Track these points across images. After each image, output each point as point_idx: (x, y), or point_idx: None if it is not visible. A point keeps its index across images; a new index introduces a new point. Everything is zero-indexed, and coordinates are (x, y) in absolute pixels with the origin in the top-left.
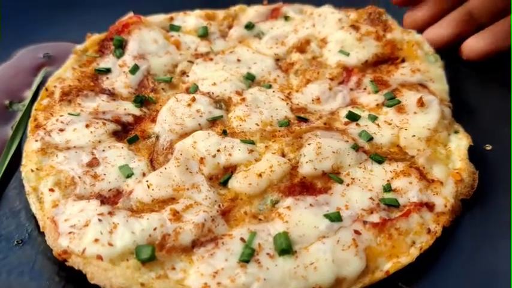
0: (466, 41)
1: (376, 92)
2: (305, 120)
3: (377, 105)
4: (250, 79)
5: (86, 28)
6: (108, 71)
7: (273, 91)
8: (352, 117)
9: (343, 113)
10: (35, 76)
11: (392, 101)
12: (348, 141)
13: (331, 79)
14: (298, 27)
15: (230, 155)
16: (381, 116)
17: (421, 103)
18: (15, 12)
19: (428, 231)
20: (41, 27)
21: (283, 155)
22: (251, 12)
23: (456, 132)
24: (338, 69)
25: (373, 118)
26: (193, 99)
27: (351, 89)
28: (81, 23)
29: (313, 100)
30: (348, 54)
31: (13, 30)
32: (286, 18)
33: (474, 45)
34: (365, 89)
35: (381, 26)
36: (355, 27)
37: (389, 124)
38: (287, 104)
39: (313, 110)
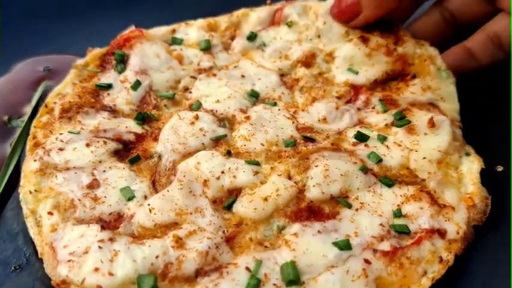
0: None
1: (385, 111)
2: (312, 140)
3: (386, 125)
4: (255, 96)
5: (87, 40)
6: (109, 86)
7: (278, 109)
8: (361, 138)
9: (351, 133)
10: (35, 90)
11: (402, 121)
12: (356, 162)
13: (338, 97)
14: (302, 36)
15: (235, 177)
16: (390, 136)
17: (431, 124)
18: (14, 24)
19: (441, 259)
20: (41, 40)
21: (290, 177)
22: (253, 18)
23: (467, 154)
24: (345, 87)
25: (383, 139)
26: (197, 117)
27: (359, 109)
28: (82, 35)
29: (319, 120)
30: (356, 73)
31: (12, 43)
32: (289, 24)
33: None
34: (373, 108)
35: (392, 38)
36: (364, 39)
37: (399, 145)
38: (293, 122)
39: (319, 129)
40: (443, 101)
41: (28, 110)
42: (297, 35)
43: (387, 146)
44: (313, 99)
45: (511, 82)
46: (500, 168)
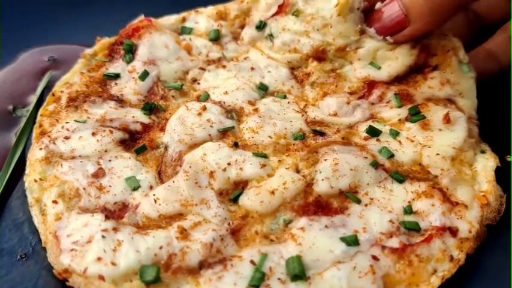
0: None
1: (400, 106)
2: (321, 134)
3: (399, 120)
4: (263, 89)
5: (93, 30)
6: (117, 76)
7: (288, 102)
8: (373, 133)
9: (363, 127)
10: (40, 80)
11: (417, 116)
12: (366, 157)
13: (351, 93)
14: (309, 27)
15: (241, 169)
16: (403, 131)
17: (447, 120)
18: (19, 14)
19: (451, 258)
20: (46, 29)
21: (298, 171)
22: (262, 4)
23: (483, 152)
24: (359, 83)
25: (395, 134)
26: (204, 108)
27: (372, 103)
28: (87, 25)
29: (329, 114)
30: (379, 68)
31: (17, 33)
32: (296, 14)
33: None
34: (388, 102)
35: None
36: None
37: (412, 141)
38: (302, 116)
39: (330, 123)
40: (461, 97)
41: (33, 99)
42: (304, 24)
43: (399, 142)
44: (324, 93)
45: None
46: (509, 158)
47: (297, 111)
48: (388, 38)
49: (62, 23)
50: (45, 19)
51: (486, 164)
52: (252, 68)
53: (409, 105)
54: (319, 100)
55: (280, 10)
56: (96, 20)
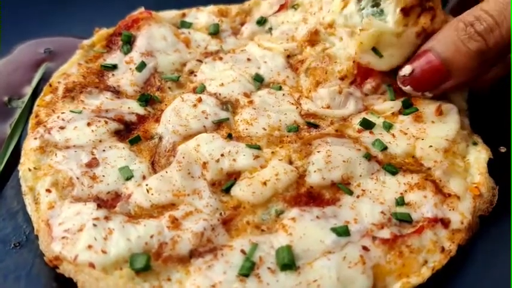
0: None
1: (393, 99)
2: (315, 126)
3: (393, 113)
4: (259, 81)
5: (89, 23)
6: (114, 67)
7: (283, 94)
8: (366, 125)
9: (357, 120)
10: (35, 72)
11: (410, 109)
12: (360, 149)
13: (341, 78)
14: (307, 14)
15: (234, 160)
16: (397, 124)
17: (439, 111)
18: (16, 6)
19: (442, 249)
20: (42, 21)
21: (291, 162)
22: (264, 6)
23: (475, 143)
24: (348, 63)
25: (388, 127)
26: (200, 100)
27: (366, 94)
28: (83, 17)
29: (322, 107)
30: (380, 56)
31: (13, 25)
32: (295, 7)
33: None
34: (382, 94)
35: (430, 14)
36: (405, 11)
37: (405, 134)
38: (297, 108)
39: (323, 115)
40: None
41: (28, 91)
42: (303, 13)
43: (393, 135)
44: (316, 83)
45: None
46: (503, 149)
47: (292, 103)
48: (427, 93)
49: (58, 15)
50: (41, 11)
51: (478, 156)
52: (248, 59)
53: (402, 98)
54: (312, 92)
55: (281, 8)
56: (93, 12)
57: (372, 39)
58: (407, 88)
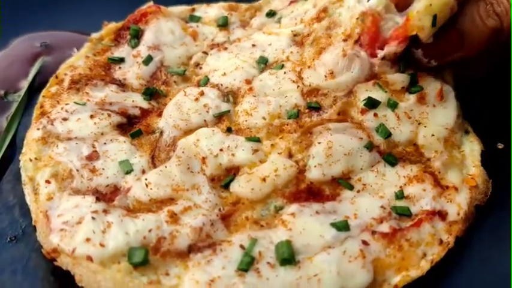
0: None
1: (403, 71)
2: (316, 109)
3: (402, 88)
4: (263, 63)
5: (85, 17)
6: (121, 60)
7: (284, 72)
8: (371, 104)
9: (362, 94)
10: (32, 66)
11: (415, 87)
12: (362, 138)
13: (345, 40)
14: (317, 1)
15: (233, 155)
16: (402, 103)
17: (441, 96)
18: (12, 0)
19: (440, 242)
20: (39, 15)
21: (290, 155)
22: (275, 3)
23: (467, 132)
24: (351, 21)
25: (394, 105)
26: (202, 93)
27: (383, 58)
28: (80, 11)
29: (326, 76)
30: (434, 25)
31: (10, 18)
32: None
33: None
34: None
35: None
36: None
37: (409, 118)
38: (298, 87)
39: (326, 90)
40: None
41: (25, 85)
42: (313, 3)
43: (397, 117)
44: (320, 50)
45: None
46: (501, 146)
47: (293, 81)
48: (432, 61)
49: (55, 9)
50: (38, 5)
51: (473, 147)
52: (253, 45)
53: (411, 71)
54: (315, 59)
55: (292, 2)
56: (90, 6)
57: (442, 6)
58: (418, 51)
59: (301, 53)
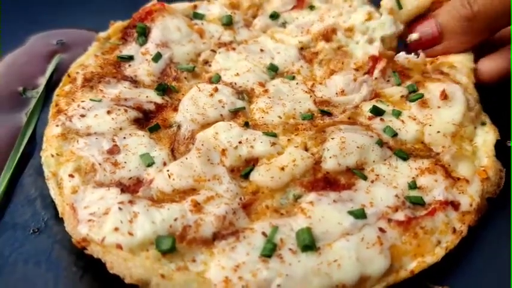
0: (479, 62)
1: (399, 84)
2: (328, 114)
3: (402, 96)
4: (274, 70)
5: (101, 15)
6: (130, 58)
7: (297, 83)
8: (376, 112)
9: (367, 107)
10: (48, 63)
11: (416, 94)
12: (372, 136)
13: (356, 69)
14: (324, 16)
15: (252, 147)
16: (405, 111)
17: (444, 96)
18: None
19: (454, 230)
20: (55, 13)
21: (306, 149)
22: (276, 1)
23: (483, 123)
24: (364, 57)
25: (397, 114)
26: (216, 89)
27: (376, 78)
28: (95, 10)
29: (337, 93)
30: (400, 8)
31: (26, 16)
32: (312, 8)
33: (486, 66)
34: (388, 80)
35: None
36: None
37: (414, 119)
38: (310, 96)
39: (337, 103)
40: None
41: (42, 81)
42: (319, 15)
43: (402, 121)
44: (331, 71)
45: None
46: (509, 143)
47: (305, 92)
48: (420, 52)
49: (71, 8)
50: (54, 4)
51: (486, 138)
52: (262, 50)
53: (408, 82)
54: (326, 78)
55: (297, 6)
56: (105, 5)
57: None
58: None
59: (311, 69)
